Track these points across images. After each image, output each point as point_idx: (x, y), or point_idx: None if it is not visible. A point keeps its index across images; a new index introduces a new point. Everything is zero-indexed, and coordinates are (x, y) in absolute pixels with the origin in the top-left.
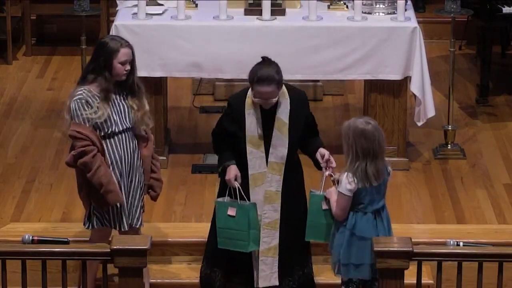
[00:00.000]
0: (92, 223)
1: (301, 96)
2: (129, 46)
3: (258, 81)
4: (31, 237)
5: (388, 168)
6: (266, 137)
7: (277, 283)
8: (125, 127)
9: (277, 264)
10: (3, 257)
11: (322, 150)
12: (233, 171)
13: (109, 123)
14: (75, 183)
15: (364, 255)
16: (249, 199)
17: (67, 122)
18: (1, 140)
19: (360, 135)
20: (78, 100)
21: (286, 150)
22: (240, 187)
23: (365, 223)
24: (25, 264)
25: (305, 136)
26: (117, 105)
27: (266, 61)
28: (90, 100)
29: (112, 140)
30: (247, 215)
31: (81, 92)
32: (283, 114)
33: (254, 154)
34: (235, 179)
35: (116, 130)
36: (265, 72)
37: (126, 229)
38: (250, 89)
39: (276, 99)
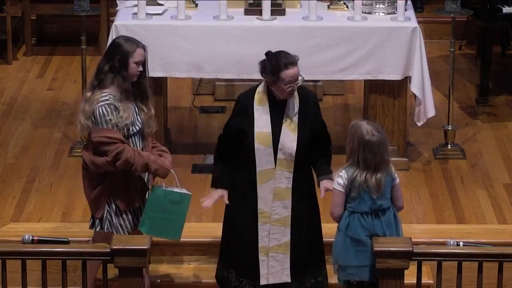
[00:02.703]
0: (102, 226)
1: (311, 96)
2: (144, 48)
3: (286, 65)
4: (31, 237)
5: (393, 174)
6: (275, 134)
7: (288, 280)
8: (138, 129)
9: (288, 261)
10: (3, 257)
11: (326, 185)
12: (216, 194)
13: (129, 124)
14: (75, 183)
15: (362, 256)
16: (256, 195)
17: (86, 126)
18: (1, 140)
19: (364, 145)
20: (106, 106)
21: (295, 147)
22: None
23: (359, 225)
24: (25, 264)
25: (313, 145)
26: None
27: (276, 52)
28: (117, 105)
29: (128, 141)
30: (187, 204)
31: (108, 97)
32: (292, 110)
33: (261, 150)
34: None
35: (131, 132)
36: (288, 56)
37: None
38: (260, 85)
39: (297, 88)
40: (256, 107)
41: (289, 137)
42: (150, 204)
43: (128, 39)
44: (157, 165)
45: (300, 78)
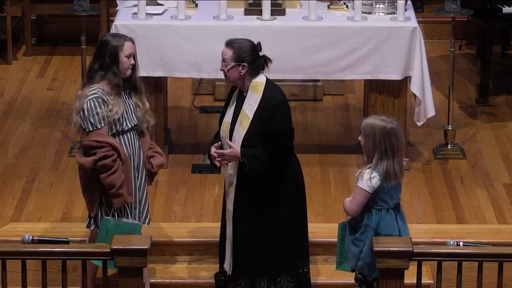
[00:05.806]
0: (97, 225)
1: (273, 100)
2: (132, 40)
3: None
4: (31, 237)
5: None
6: (232, 126)
7: (228, 271)
8: (133, 125)
9: (229, 253)
10: (3, 257)
11: (232, 144)
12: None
13: (121, 120)
14: (75, 183)
15: None
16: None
17: (77, 123)
18: (1, 140)
19: (390, 135)
20: (94, 99)
21: (240, 144)
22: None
23: (389, 220)
24: (25, 264)
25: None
26: (125, 103)
27: (254, 43)
28: (106, 98)
29: (121, 137)
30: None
31: (96, 90)
32: (249, 108)
33: (223, 140)
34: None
35: (126, 128)
36: (233, 38)
37: None
38: None
39: (226, 70)
40: (233, 97)
41: (239, 133)
42: (102, 237)
43: (115, 35)
44: (118, 191)
45: (224, 63)
